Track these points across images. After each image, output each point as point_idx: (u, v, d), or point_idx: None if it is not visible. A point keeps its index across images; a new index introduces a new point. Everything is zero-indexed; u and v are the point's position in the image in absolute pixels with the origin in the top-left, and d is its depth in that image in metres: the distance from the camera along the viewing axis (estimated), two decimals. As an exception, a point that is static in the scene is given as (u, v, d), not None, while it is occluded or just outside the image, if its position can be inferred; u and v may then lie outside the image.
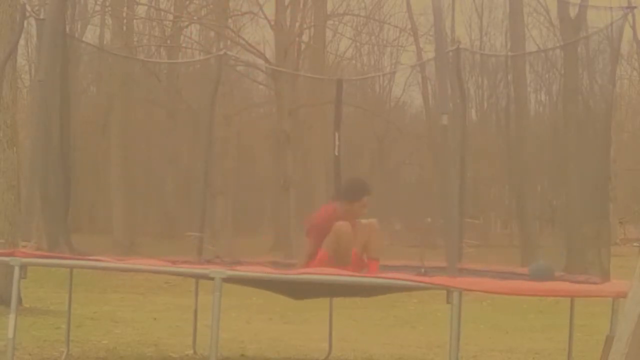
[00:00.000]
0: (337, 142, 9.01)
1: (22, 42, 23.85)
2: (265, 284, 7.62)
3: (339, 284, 6.74)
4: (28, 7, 7.60)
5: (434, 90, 26.23)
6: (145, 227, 26.19)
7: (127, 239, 22.64)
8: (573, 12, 18.43)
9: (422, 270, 7.66)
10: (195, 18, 26.93)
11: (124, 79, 24.68)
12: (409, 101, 35.33)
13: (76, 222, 8.85)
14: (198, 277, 7.49)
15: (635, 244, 30.12)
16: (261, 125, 30.84)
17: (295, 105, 25.19)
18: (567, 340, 7.83)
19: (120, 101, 25.45)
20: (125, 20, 26.14)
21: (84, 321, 10.56)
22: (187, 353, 8.60)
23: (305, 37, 28.38)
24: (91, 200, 27.89)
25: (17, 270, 6.24)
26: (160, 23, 27.35)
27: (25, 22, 8.42)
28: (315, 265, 6.99)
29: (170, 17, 27.24)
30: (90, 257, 6.87)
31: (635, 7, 7.15)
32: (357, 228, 7.28)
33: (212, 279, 6.09)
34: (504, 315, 12.99)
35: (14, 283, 6.24)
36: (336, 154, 8.99)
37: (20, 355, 7.78)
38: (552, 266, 7.25)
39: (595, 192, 7.76)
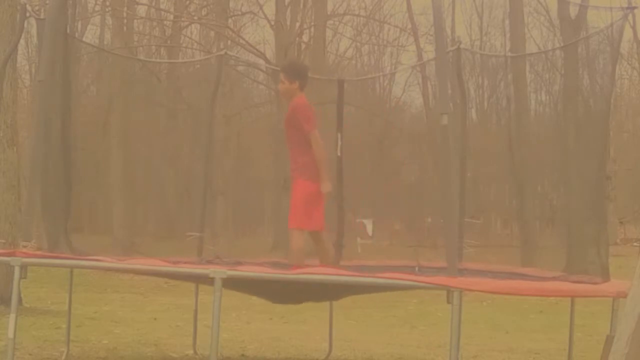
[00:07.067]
0: (339, 143, 9.00)
1: (22, 42, 23.86)
2: (263, 291, 7.65)
3: (340, 284, 6.74)
4: (28, 7, 7.59)
5: (434, 90, 26.23)
6: (145, 227, 26.20)
7: (127, 239, 22.64)
8: (573, 12, 18.42)
9: (416, 268, 7.67)
10: (195, 18, 26.94)
11: (124, 79, 24.68)
12: (409, 101, 35.35)
13: (76, 222, 8.85)
14: (198, 277, 7.48)
15: (635, 244, 30.16)
16: (261, 125, 30.83)
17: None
18: (567, 340, 7.84)
19: (120, 101, 25.45)
20: (125, 20, 26.13)
21: (84, 321, 10.56)
22: (187, 353, 8.60)
23: (305, 37, 28.39)
24: (91, 200, 27.88)
25: (17, 270, 6.24)
26: (160, 23, 27.36)
27: (26, 22, 8.42)
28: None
29: (170, 17, 27.25)
30: (90, 257, 6.87)
31: (635, 7, 7.15)
32: None
33: (212, 279, 6.10)
34: (504, 315, 12.99)
35: (14, 283, 6.24)
36: (338, 154, 8.99)
37: (20, 355, 7.78)
38: None
39: (593, 191, 7.77)
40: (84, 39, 22.45)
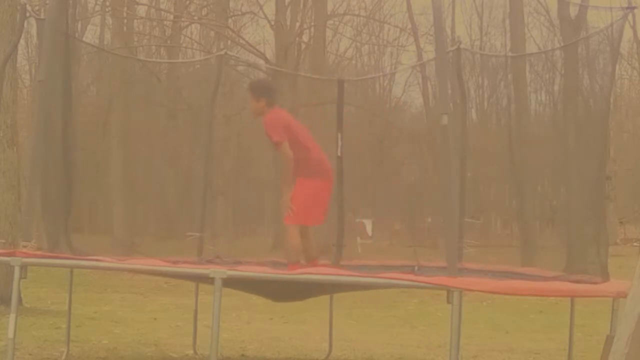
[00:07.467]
0: (339, 143, 9.01)
1: (22, 42, 23.86)
2: (263, 290, 7.67)
3: (340, 284, 6.75)
4: (28, 7, 7.59)
5: (434, 90, 26.24)
6: (145, 227, 26.18)
7: (127, 239, 22.62)
8: (573, 12, 18.44)
9: (415, 268, 7.68)
10: (195, 18, 26.94)
11: (124, 79, 24.68)
12: (409, 101, 35.35)
13: (76, 222, 8.86)
14: (198, 277, 7.48)
15: (635, 244, 30.16)
16: (261, 126, 30.76)
17: (295, 105, 25.17)
18: (567, 340, 7.84)
19: (120, 101, 25.45)
20: (125, 20, 26.14)
21: (84, 321, 10.56)
22: (187, 353, 8.60)
23: (305, 37, 28.41)
24: (91, 200, 27.86)
25: (17, 270, 6.24)
26: (160, 23, 27.36)
27: (26, 22, 8.42)
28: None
29: (170, 17, 27.26)
30: (90, 257, 6.87)
31: (635, 7, 7.16)
32: None
33: (212, 279, 6.10)
34: (504, 315, 12.99)
35: (14, 283, 6.24)
36: (339, 154, 8.99)
37: (20, 355, 7.78)
38: None
39: (593, 191, 7.78)
40: (84, 39, 22.44)
